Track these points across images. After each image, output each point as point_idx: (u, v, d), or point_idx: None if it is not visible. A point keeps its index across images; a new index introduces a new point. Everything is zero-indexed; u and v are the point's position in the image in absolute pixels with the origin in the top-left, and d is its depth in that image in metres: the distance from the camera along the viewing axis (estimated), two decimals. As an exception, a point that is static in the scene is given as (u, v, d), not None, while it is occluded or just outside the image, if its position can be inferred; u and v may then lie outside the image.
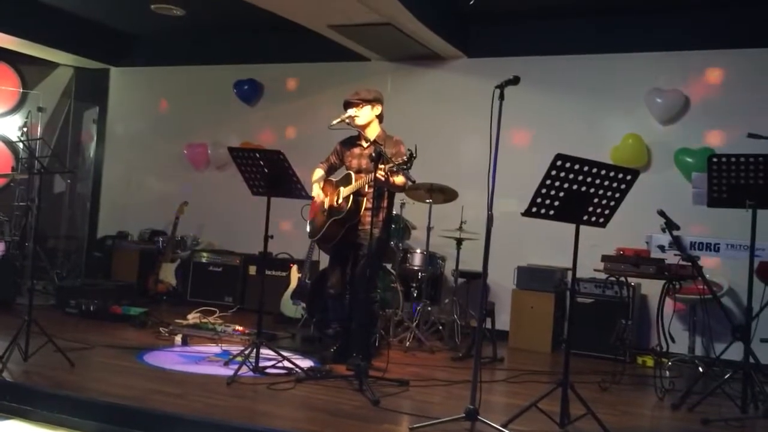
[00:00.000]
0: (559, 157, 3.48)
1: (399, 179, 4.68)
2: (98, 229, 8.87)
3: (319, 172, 5.15)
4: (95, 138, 8.84)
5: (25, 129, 8.08)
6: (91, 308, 6.32)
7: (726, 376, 4.33)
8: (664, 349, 4.99)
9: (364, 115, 4.90)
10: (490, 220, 3.61)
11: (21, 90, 8.66)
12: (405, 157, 4.42)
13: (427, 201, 6.02)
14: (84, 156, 8.91)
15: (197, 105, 8.56)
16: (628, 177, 3.62)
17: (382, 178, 4.55)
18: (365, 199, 4.84)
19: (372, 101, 4.92)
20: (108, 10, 7.82)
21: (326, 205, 5.00)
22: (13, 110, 8.62)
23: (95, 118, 8.85)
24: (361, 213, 4.87)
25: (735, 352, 4.58)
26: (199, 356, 5.04)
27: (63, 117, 8.85)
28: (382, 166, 4.49)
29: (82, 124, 8.92)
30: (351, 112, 4.89)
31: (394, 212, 6.14)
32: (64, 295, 6.59)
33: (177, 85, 8.71)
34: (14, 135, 8.18)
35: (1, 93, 8.52)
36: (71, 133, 8.82)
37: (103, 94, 8.98)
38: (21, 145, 7.44)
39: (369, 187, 4.73)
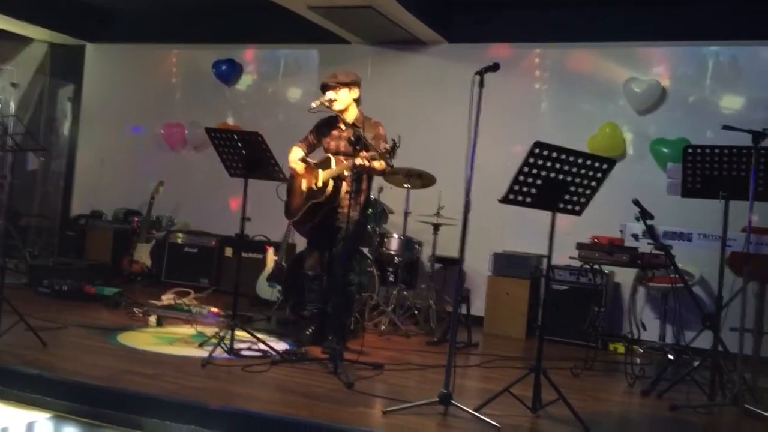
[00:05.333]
0: (537, 144, 3.50)
1: (378, 164, 4.68)
2: (72, 208, 8.76)
3: (297, 152, 5.12)
4: (70, 116, 8.71)
5: (-3, 105, 7.95)
6: (64, 288, 6.24)
7: (695, 364, 4.41)
8: (636, 337, 5.06)
9: (342, 98, 4.88)
10: (467, 206, 3.62)
11: (-7, 65, 8.51)
12: (388, 146, 4.43)
13: (405, 186, 6.03)
14: (58, 134, 8.78)
15: (175, 84, 8.46)
16: (605, 166, 3.64)
17: (365, 164, 4.55)
18: (344, 182, 4.84)
19: (349, 84, 4.89)
20: (84, -15, 7.69)
21: (304, 187, 4.98)
22: (-15, 86, 8.48)
23: (70, 96, 8.71)
24: (341, 196, 4.87)
25: (704, 341, 4.66)
26: (174, 337, 5.02)
27: (37, 94, 8.70)
28: (364, 154, 4.49)
29: (56, 101, 8.78)
30: (330, 95, 4.87)
31: (372, 197, 6.16)
32: (37, 274, 6.51)
33: (154, 63, 8.59)
34: (-14, 111, 8.04)
35: (-27, 68, 8.37)
36: (45, 111, 8.68)
37: (79, 71, 8.84)
38: (-7, 121, 7.30)
39: (348, 172, 4.71)
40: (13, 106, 8.20)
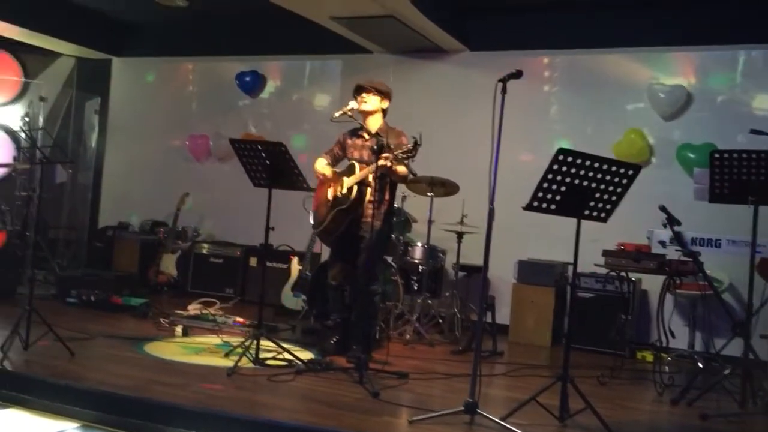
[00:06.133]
0: (561, 151, 3.48)
1: (401, 168, 4.67)
2: (99, 219, 8.86)
3: (321, 161, 5.14)
4: (97, 128, 8.84)
5: (26, 119, 8.07)
6: (92, 298, 6.33)
7: (725, 372, 4.33)
8: (664, 345, 4.99)
9: (372, 102, 4.92)
10: (491, 213, 3.61)
11: (23, 79, 8.65)
12: (410, 145, 4.43)
13: (429, 194, 6.02)
14: (85, 146, 8.91)
15: (199, 96, 8.55)
16: (630, 172, 3.61)
17: (388, 164, 4.54)
18: (369, 189, 4.84)
19: (383, 93, 4.96)
20: (110, 0, 7.80)
21: (330, 196, 5.00)
22: (15, 100, 8.62)
23: (97, 109, 8.84)
24: (364, 205, 4.87)
25: (735, 348, 4.59)
26: (200, 347, 5.05)
27: (65, 107, 8.84)
28: (386, 154, 4.49)
29: (83, 114, 8.92)
30: (352, 104, 4.90)
31: (396, 205, 6.16)
32: (65, 285, 6.60)
33: (179, 76, 8.69)
34: (16, 125, 8.17)
35: (2, 82, 8.51)
36: (73, 123, 8.81)
37: (105, 85, 8.96)
38: (23, 134, 7.43)
39: (373, 177, 4.71)
40: (41, 119, 8.34)
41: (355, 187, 4.83)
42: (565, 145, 3.53)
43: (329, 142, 5.23)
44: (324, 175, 5.03)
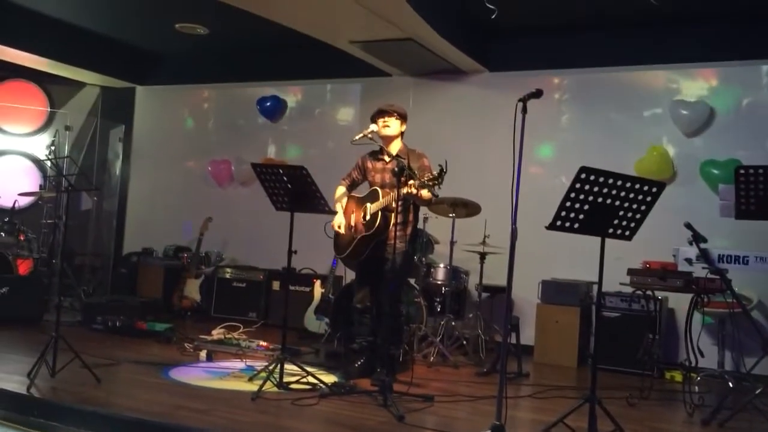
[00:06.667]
0: (583, 169, 3.46)
1: (425, 193, 4.69)
2: (124, 245, 8.95)
3: (341, 190, 5.16)
4: (121, 156, 8.96)
5: (52, 148, 8.21)
6: (117, 324, 6.37)
7: (757, 391, 4.24)
8: (693, 364, 4.91)
9: (394, 126, 4.96)
10: (513, 234, 3.59)
11: (49, 109, 8.82)
12: (435, 173, 4.44)
13: (450, 215, 6.01)
14: (110, 173, 9.03)
15: (221, 122, 8.65)
16: (654, 189, 3.58)
17: (413, 191, 4.56)
18: (393, 214, 4.84)
19: (403, 116, 5.01)
20: (133, 30, 7.95)
21: (353, 222, 5.00)
22: (41, 129, 8.79)
23: (121, 137, 8.97)
24: (389, 228, 4.87)
25: (766, 367, 4.49)
26: (224, 372, 5.05)
27: (90, 135, 8.98)
28: (411, 182, 4.50)
29: (108, 142, 9.05)
30: (373, 127, 4.92)
31: (418, 227, 6.15)
32: (91, 312, 6.65)
33: (201, 102, 8.81)
34: (42, 154, 8.32)
35: (29, 112, 8.68)
36: (98, 151, 8.95)
37: (129, 113, 9.10)
38: (49, 163, 7.55)
39: (395, 203, 4.71)
40: (67, 148, 8.47)
41: (379, 213, 4.83)
42: (588, 164, 3.49)
43: (351, 165, 5.25)
44: (337, 227, 5.06)
